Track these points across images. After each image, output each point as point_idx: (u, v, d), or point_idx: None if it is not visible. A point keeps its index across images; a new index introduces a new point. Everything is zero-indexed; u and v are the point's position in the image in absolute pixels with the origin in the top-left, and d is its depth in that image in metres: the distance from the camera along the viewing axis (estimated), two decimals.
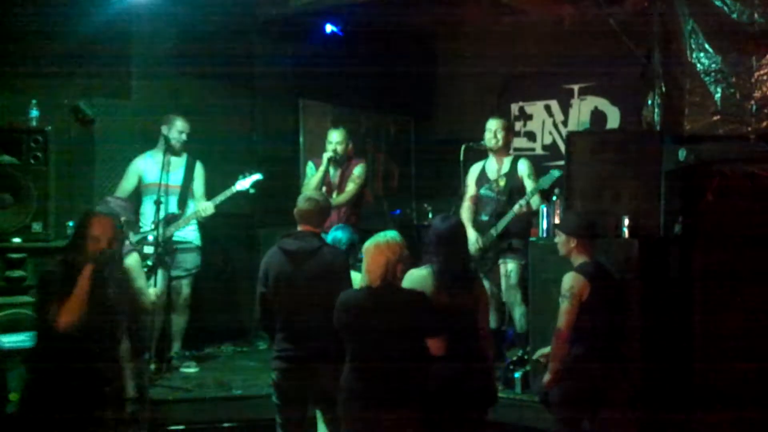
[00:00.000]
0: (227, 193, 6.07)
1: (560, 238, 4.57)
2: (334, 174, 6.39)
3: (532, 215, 5.90)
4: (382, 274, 3.88)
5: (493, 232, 5.98)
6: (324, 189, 6.19)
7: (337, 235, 4.91)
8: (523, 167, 6.09)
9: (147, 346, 5.29)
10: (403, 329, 3.83)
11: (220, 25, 6.85)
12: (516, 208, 5.83)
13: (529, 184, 6.00)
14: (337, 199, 6.24)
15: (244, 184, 6.07)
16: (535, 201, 5.80)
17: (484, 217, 6.13)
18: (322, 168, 6.28)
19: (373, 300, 3.87)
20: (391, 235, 4.02)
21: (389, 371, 3.79)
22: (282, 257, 4.40)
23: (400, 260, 3.94)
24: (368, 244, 3.98)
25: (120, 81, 6.62)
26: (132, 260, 4.67)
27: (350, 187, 6.37)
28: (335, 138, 6.33)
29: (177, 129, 6.12)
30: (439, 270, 4.08)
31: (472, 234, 6.00)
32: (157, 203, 5.74)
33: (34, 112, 5.60)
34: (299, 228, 4.51)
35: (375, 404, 3.81)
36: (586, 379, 4.36)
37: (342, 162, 6.39)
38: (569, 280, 4.38)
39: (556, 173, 5.59)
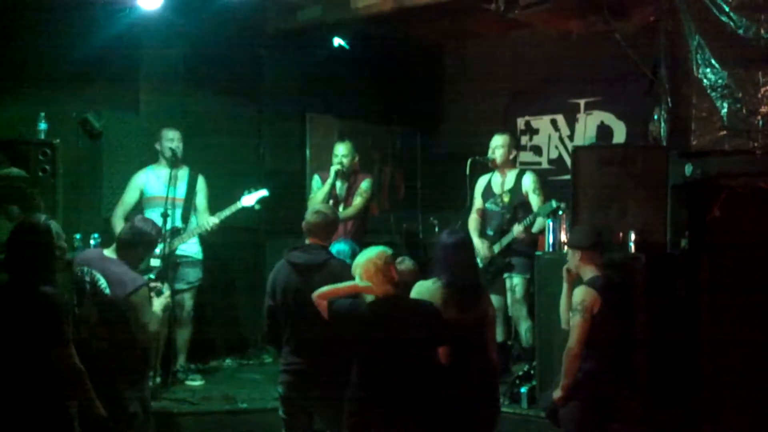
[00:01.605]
0: (232, 208, 6.07)
1: (570, 252, 4.58)
2: (341, 187, 6.40)
3: (536, 235, 5.92)
4: (382, 280, 3.90)
5: (496, 248, 6.00)
6: (330, 202, 6.20)
7: (340, 247, 4.92)
8: (528, 182, 6.11)
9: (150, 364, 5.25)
10: (411, 339, 3.83)
11: (228, 38, 6.88)
12: (515, 231, 5.86)
13: (533, 199, 6.03)
14: (344, 212, 6.24)
15: (249, 200, 6.07)
16: (537, 224, 5.81)
17: (489, 232, 6.15)
18: (329, 181, 6.29)
19: (382, 310, 3.89)
20: (376, 248, 4.07)
21: (396, 382, 3.79)
22: (289, 270, 4.40)
23: (387, 263, 3.97)
24: (356, 262, 4.02)
25: (128, 94, 6.65)
26: (140, 297, 4.39)
27: (357, 201, 6.38)
28: (341, 151, 6.35)
29: (166, 139, 6.14)
30: (448, 283, 4.10)
31: (479, 244, 6.02)
32: (165, 216, 5.76)
33: (43, 125, 5.62)
34: (307, 241, 4.52)
35: (382, 416, 3.81)
36: (597, 394, 4.34)
37: (349, 175, 6.40)
38: (580, 294, 4.38)
39: (554, 204, 5.60)
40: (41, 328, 3.64)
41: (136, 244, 4.50)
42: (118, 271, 4.40)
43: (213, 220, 6.04)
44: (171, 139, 6.15)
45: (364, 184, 6.44)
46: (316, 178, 6.57)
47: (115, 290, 4.34)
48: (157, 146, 6.21)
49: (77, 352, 3.73)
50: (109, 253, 4.52)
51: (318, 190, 6.39)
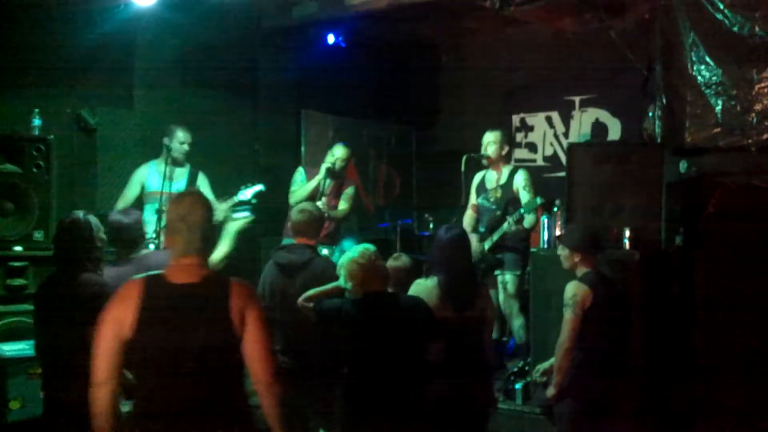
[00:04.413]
0: (229, 202, 6.07)
1: (563, 252, 4.56)
2: (328, 184, 6.36)
3: (528, 230, 5.91)
4: (367, 279, 3.85)
5: (486, 244, 5.98)
6: (324, 200, 6.20)
7: (348, 245, 4.90)
8: (520, 179, 6.05)
9: None
10: (399, 335, 3.78)
11: (223, 35, 6.86)
12: (505, 226, 5.81)
13: (524, 196, 5.96)
14: (332, 213, 6.26)
15: (246, 194, 6.08)
16: (528, 219, 5.79)
17: (481, 229, 6.12)
18: (319, 177, 6.25)
19: (368, 307, 3.83)
20: (361, 246, 4.01)
21: (386, 379, 3.77)
22: (275, 270, 4.41)
23: (376, 258, 3.91)
24: (341, 262, 3.95)
25: (122, 90, 6.62)
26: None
27: (345, 206, 6.45)
28: (339, 153, 6.35)
29: (178, 140, 6.12)
30: (444, 281, 4.07)
31: (472, 240, 6.00)
32: (159, 212, 5.75)
33: (37, 121, 5.60)
34: (294, 240, 4.51)
35: (373, 413, 3.79)
36: (590, 390, 4.34)
37: (338, 177, 6.41)
38: (572, 289, 4.37)
39: (538, 200, 5.62)
40: (89, 314, 3.69)
41: (119, 239, 4.41)
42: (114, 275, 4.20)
43: (222, 207, 5.96)
44: (183, 142, 6.13)
45: (351, 190, 6.52)
46: (301, 170, 6.58)
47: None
48: (166, 141, 6.15)
49: None
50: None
51: (302, 184, 6.40)
